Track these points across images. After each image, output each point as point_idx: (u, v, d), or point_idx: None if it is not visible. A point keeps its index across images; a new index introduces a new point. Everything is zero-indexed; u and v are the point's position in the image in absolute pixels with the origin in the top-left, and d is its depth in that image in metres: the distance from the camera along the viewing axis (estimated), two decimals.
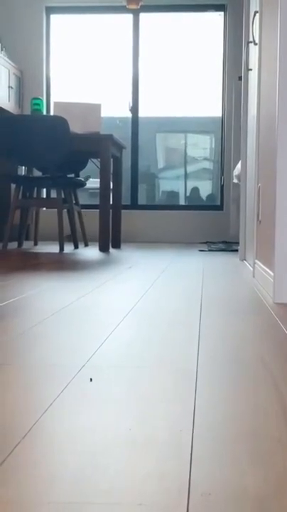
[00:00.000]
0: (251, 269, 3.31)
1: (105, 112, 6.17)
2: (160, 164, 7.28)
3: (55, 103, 5.24)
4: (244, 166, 4.21)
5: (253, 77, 3.68)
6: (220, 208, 6.82)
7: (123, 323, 1.76)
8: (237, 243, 4.97)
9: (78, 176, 5.48)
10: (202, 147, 7.28)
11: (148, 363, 1.31)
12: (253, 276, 3.13)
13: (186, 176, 7.18)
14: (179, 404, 1.03)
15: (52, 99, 6.87)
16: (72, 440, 0.86)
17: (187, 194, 7.11)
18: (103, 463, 0.79)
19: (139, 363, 1.31)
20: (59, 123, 4.69)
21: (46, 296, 2.30)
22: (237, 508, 0.67)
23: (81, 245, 5.69)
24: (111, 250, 5.11)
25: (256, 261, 3.08)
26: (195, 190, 7.11)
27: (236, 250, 5.09)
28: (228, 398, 1.09)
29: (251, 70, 3.85)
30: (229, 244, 5.93)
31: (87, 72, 6.90)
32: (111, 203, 5.15)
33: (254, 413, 1.00)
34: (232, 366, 1.32)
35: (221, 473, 0.76)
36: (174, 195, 7.11)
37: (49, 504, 0.66)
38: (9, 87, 6.32)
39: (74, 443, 0.85)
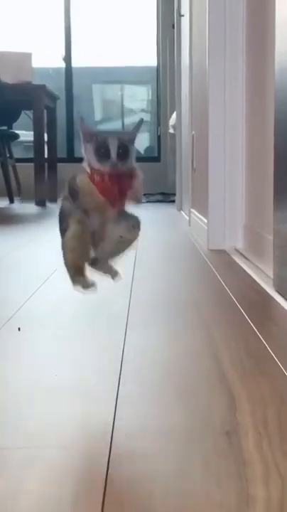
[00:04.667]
0: (188, 218, 3.32)
1: (37, 62, 5.98)
2: (97, 116, 7.15)
3: None
4: (179, 116, 4.18)
5: (185, 23, 3.62)
6: (157, 159, 6.78)
7: (55, 275, 1.74)
8: (175, 194, 4.97)
9: (11, 129, 5.33)
10: (139, 98, 7.18)
11: (78, 312, 1.30)
12: (189, 225, 3.15)
13: (124, 128, 7.10)
14: (108, 351, 1.02)
15: None
16: None
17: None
18: (27, 408, 0.78)
19: (69, 312, 1.30)
20: None
21: None
22: (161, 444, 0.67)
23: (17, 200, 5.59)
24: (48, 204, 5.03)
25: (192, 209, 3.09)
26: None
27: (174, 201, 5.10)
28: (159, 342, 1.09)
29: (183, 15, 3.78)
30: (166, 196, 5.93)
31: (17, 20, 6.65)
32: (45, 156, 5.05)
33: (184, 355, 1.01)
34: (165, 311, 1.33)
35: (147, 412, 0.76)
36: None
37: None
38: None
39: None
